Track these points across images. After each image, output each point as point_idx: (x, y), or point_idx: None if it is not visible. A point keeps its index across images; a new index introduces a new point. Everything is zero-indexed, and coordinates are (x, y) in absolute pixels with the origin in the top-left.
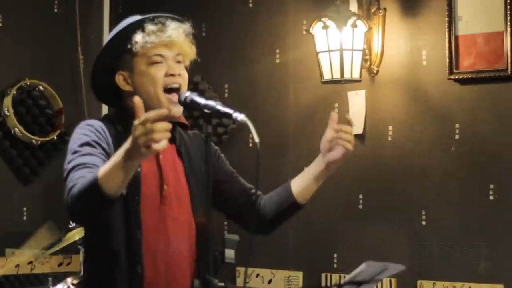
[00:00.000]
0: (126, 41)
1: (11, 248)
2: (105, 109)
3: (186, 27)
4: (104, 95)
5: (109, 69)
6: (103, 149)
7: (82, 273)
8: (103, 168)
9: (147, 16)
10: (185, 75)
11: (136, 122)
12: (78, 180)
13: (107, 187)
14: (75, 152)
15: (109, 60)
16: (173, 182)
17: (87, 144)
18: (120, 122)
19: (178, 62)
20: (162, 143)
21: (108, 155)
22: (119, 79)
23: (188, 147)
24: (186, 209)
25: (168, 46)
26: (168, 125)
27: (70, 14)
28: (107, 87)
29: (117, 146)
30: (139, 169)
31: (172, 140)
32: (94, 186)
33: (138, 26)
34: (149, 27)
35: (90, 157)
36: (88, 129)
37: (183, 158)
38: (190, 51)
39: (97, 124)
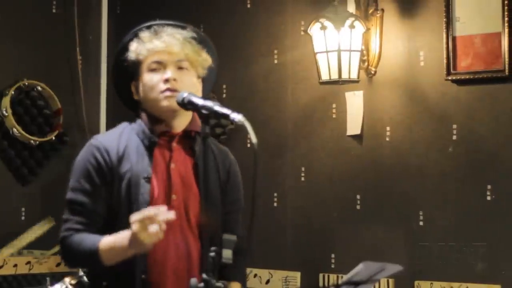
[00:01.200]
0: (125, 52)
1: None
2: (103, 110)
3: (185, 32)
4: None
5: (127, 82)
6: (102, 177)
7: (80, 273)
8: (105, 244)
9: (143, 25)
10: (186, 81)
11: (133, 219)
12: (70, 231)
13: (106, 260)
14: (78, 182)
15: (121, 73)
16: (182, 191)
17: (88, 178)
18: (137, 132)
19: (180, 68)
20: (156, 237)
21: (107, 183)
22: (133, 90)
23: (207, 162)
24: (194, 217)
25: (166, 53)
26: (162, 226)
27: (69, 15)
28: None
29: (133, 154)
30: (147, 186)
31: (188, 151)
32: (92, 255)
33: (135, 35)
34: (142, 34)
35: (86, 200)
36: (93, 156)
37: (199, 171)
38: (195, 57)
39: (104, 145)
